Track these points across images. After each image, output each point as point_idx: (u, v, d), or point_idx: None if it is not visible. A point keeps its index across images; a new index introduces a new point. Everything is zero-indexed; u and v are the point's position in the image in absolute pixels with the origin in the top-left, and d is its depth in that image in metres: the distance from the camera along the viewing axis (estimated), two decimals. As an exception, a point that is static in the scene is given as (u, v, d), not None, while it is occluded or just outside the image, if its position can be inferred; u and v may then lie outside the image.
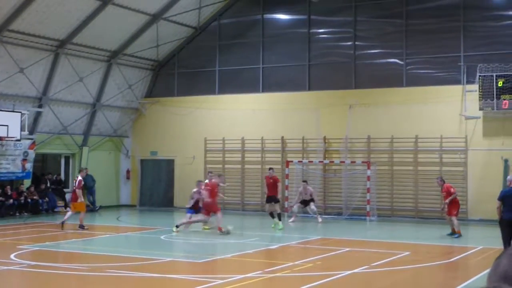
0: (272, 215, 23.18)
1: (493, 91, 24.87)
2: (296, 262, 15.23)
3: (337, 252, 17.42)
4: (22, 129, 26.04)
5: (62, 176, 30.87)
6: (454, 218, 20.59)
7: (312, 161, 28.35)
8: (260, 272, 13.98)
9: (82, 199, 22.43)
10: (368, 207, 26.65)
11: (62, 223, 22.20)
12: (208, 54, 31.66)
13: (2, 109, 25.68)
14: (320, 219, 24.53)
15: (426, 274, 14.66)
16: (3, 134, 25.29)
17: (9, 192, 27.10)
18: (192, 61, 32.03)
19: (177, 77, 32.49)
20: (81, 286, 13.17)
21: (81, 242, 19.40)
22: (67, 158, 31.20)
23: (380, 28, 28.36)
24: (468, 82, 25.98)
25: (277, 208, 23.29)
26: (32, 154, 27.73)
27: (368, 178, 26.70)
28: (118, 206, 32.41)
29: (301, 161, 28.46)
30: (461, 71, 26.34)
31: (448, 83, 26.58)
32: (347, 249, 17.91)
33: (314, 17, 29.64)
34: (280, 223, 22.71)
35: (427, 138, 26.55)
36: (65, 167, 31.20)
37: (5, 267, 14.31)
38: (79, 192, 22.23)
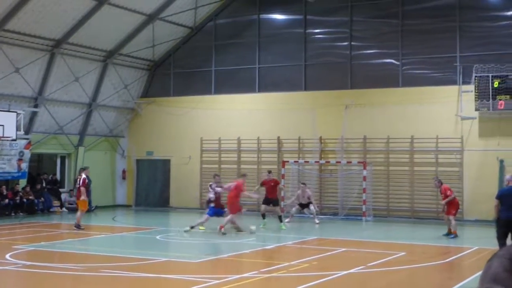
0: (264, 216, 23.26)
1: (489, 91, 24.90)
2: (292, 262, 15.22)
3: (333, 252, 17.42)
4: (17, 129, 25.97)
5: (58, 176, 30.82)
6: (452, 218, 20.61)
7: (308, 161, 28.35)
8: (256, 272, 13.97)
9: (85, 197, 22.38)
10: (364, 207, 26.66)
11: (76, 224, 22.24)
12: (204, 54, 31.65)
13: (-2, 109, 25.64)
14: (317, 221, 24.54)
15: (422, 275, 14.68)
16: (-1, 134, 25.23)
17: (5, 192, 27.07)
18: (188, 61, 32.01)
19: (173, 77, 32.47)
20: (76, 286, 13.14)
21: (77, 242, 19.35)
22: (63, 158, 31.15)
23: (376, 28, 28.38)
24: (464, 82, 26.00)
25: (278, 210, 23.30)
26: (27, 154, 27.68)
27: (364, 178, 26.72)
28: (114, 206, 32.37)
29: (297, 161, 28.46)
30: (457, 71, 26.38)
31: (444, 83, 26.61)
32: (343, 249, 17.91)
33: (310, 17, 29.66)
34: (282, 224, 22.83)
35: (423, 139, 26.58)
36: (60, 167, 31.15)
37: (0, 267, 14.27)
38: (82, 190, 22.24)
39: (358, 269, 14.43)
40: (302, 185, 25.24)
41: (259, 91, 30.30)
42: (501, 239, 14.72)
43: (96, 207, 30.52)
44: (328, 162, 28.13)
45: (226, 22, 31.54)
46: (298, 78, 29.54)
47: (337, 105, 27.91)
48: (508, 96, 24.68)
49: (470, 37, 26.61)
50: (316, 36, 29.84)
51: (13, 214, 27.05)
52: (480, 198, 24.75)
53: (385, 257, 16.39)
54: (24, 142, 27.46)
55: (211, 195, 21.87)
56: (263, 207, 23.77)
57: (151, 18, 29.29)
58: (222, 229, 20.70)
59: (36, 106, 28.03)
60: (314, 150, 28.51)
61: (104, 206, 31.25)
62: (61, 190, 30.20)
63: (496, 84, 24.86)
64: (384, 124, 27.17)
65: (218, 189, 21.71)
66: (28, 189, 28.07)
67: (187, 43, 32.10)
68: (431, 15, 27.24)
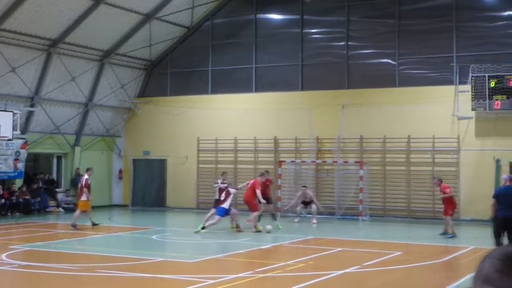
0: (259, 217, 23.32)
1: (486, 91, 24.92)
2: (288, 262, 15.22)
3: (329, 252, 17.43)
4: (14, 128, 25.89)
5: (54, 176, 30.78)
6: (449, 218, 20.65)
7: (304, 161, 28.36)
8: (252, 272, 13.97)
9: (85, 198, 22.40)
10: (360, 207, 26.67)
11: (93, 224, 22.30)
12: (201, 53, 31.63)
13: (-6, 109, 25.60)
14: (315, 221, 24.59)
15: (418, 274, 14.69)
16: (-5, 134, 25.19)
17: (1, 192, 27.02)
18: (185, 60, 31.99)
19: (170, 77, 32.45)
20: (72, 286, 13.12)
21: (73, 242, 19.33)
22: (59, 158, 31.11)
23: (372, 28, 28.39)
24: (461, 82, 26.02)
25: (271, 207, 23.38)
26: (24, 153, 27.63)
27: (361, 178, 26.73)
28: (110, 206, 32.33)
29: (294, 161, 28.46)
30: (453, 71, 26.39)
31: (441, 83, 26.63)
32: (339, 249, 17.92)
33: (307, 17, 29.66)
34: (278, 224, 22.98)
35: (420, 138, 26.60)
36: (57, 167, 31.11)
37: (-4, 267, 14.25)
38: (85, 190, 22.30)
39: (354, 269, 14.43)
40: (303, 188, 25.31)
41: (256, 91, 30.30)
42: (497, 238, 14.77)
43: (93, 207, 30.44)
44: (325, 162, 28.14)
45: (223, 22, 31.53)
46: (295, 78, 29.54)
47: (334, 105, 27.91)
48: (504, 96, 24.70)
49: (467, 37, 26.63)
50: (313, 36, 29.85)
51: (9, 214, 27.01)
52: (476, 197, 24.78)
53: (381, 256, 16.40)
54: (20, 141, 27.42)
55: (222, 195, 21.95)
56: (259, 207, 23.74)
57: (148, 17, 29.26)
58: (256, 228, 21.25)
59: (32, 105, 27.99)
60: (310, 150, 28.52)
61: (101, 206, 31.17)
62: (57, 190, 30.15)
63: (492, 84, 24.88)
64: (381, 124, 27.18)
65: (233, 190, 21.74)
66: (24, 189, 28.02)
67: (184, 43, 32.08)
68: (428, 15, 27.26)
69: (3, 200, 26.87)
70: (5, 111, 25.71)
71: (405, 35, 27.61)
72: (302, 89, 29.34)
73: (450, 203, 20.85)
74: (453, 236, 20.46)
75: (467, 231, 23.15)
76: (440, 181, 21.21)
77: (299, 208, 25.18)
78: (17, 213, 27.17)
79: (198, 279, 12.83)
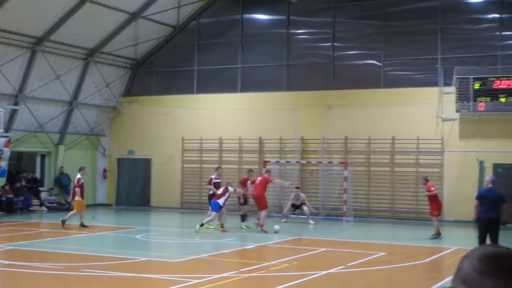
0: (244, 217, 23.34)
1: (470, 93, 25.07)
2: (272, 262, 15.24)
3: (313, 252, 17.46)
4: (-3, 126, 25.77)
5: (38, 175, 30.59)
6: (434, 219, 20.76)
7: (289, 161, 28.38)
8: (236, 272, 13.97)
9: (79, 198, 22.37)
10: (344, 207, 26.74)
11: (81, 224, 22.25)
12: (186, 53, 31.57)
13: (-23, 106, 25.41)
14: (312, 221, 24.73)
15: (402, 275, 14.75)
16: (-22, 132, 25.01)
17: (-16, 190, 26.82)
18: (171, 60, 31.91)
19: (155, 76, 32.37)
20: (56, 286, 13.05)
21: (56, 241, 19.22)
22: (43, 157, 30.91)
23: (358, 29, 28.48)
24: (445, 84, 26.15)
25: (245, 209, 23.36)
26: (7, 152, 27.41)
27: (345, 178, 26.80)
28: (94, 205, 32.17)
29: (279, 161, 28.47)
30: (438, 73, 26.53)
31: (425, 85, 26.75)
32: (323, 249, 17.95)
33: (293, 18, 29.69)
34: (245, 223, 22.99)
35: (404, 140, 26.70)
36: (41, 166, 30.92)
37: (-22, 266, 14.14)
38: (77, 190, 22.26)
39: (338, 269, 14.47)
40: (296, 189, 25.40)
41: (242, 91, 30.29)
42: (482, 239, 14.89)
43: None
44: (310, 162, 28.19)
45: (209, 22, 31.49)
46: (280, 78, 29.56)
47: (319, 106, 27.96)
48: (488, 98, 24.86)
49: (452, 39, 26.77)
50: (299, 36, 29.89)
51: (-8, 212, 26.82)
52: (460, 199, 24.92)
53: (365, 257, 16.45)
54: (3, 140, 27.20)
55: (216, 190, 21.99)
56: (245, 207, 23.71)
57: (133, 16, 29.16)
58: (263, 228, 21.31)
59: (16, 103, 27.80)
60: (295, 150, 28.55)
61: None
62: (40, 188, 29.98)
63: (476, 86, 25.03)
64: (366, 125, 27.26)
65: (231, 189, 21.82)
66: (7, 187, 27.82)
67: (170, 42, 32.00)
68: (414, 17, 27.37)
69: (-14, 199, 26.68)
70: (-12, 109, 25.56)
71: (391, 37, 27.72)
72: (288, 89, 29.36)
73: (435, 204, 20.94)
74: (437, 237, 20.55)
75: (450, 232, 23.25)
76: (426, 180, 21.33)
77: (286, 210, 25.26)
78: (0, 212, 26.97)
79: (182, 279, 12.81)
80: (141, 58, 32.42)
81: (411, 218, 26.18)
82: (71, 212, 22.42)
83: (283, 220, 25.02)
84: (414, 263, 16.07)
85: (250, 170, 24.57)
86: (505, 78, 24.80)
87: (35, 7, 25.48)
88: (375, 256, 16.71)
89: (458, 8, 26.86)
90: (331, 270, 14.27)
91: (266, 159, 28.57)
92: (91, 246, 18.93)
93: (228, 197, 21.70)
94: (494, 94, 24.78)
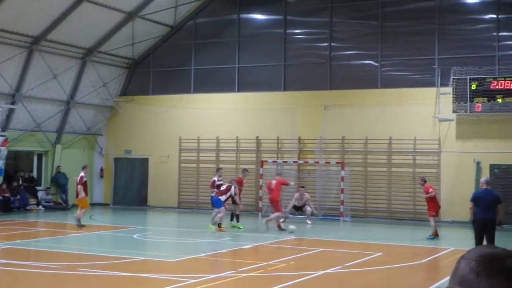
0: (237, 217, 23.32)
1: (467, 94, 25.11)
2: (270, 262, 15.24)
3: (311, 252, 17.47)
4: (-6, 125, 25.75)
5: (35, 174, 30.56)
6: (431, 219, 20.77)
7: (286, 161, 28.39)
8: (233, 271, 13.97)
9: (83, 195, 22.38)
10: (341, 207, 26.76)
11: (78, 221, 22.35)
12: (183, 53, 31.57)
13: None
14: (309, 222, 24.80)
15: (399, 275, 14.77)
16: (-25, 131, 24.98)
17: (-20, 190, 26.79)
18: (168, 59, 31.91)
19: (152, 76, 32.36)
20: (53, 285, 13.04)
21: (53, 241, 19.22)
22: (39, 156, 30.90)
23: (356, 29, 28.50)
24: (442, 84, 26.19)
25: (240, 208, 23.45)
26: (4, 151, 27.38)
27: (342, 178, 26.82)
28: (92, 205, 32.04)
29: (276, 161, 28.48)
30: (435, 73, 26.56)
31: (422, 85, 26.79)
32: (321, 249, 17.97)
33: (290, 18, 29.71)
34: (232, 223, 23.03)
35: (401, 140, 26.74)
36: (37, 165, 30.90)
37: (-25, 265, 14.13)
38: (80, 188, 22.25)
39: (335, 269, 14.48)
40: (301, 188, 25.45)
41: (239, 90, 30.30)
42: (478, 239, 14.93)
43: (74, 205, 30.30)
44: (307, 162, 28.20)
45: (206, 21, 31.49)
46: (277, 78, 29.58)
47: (316, 106, 27.98)
48: (485, 99, 24.89)
49: (449, 39, 26.80)
50: (296, 36, 29.91)
51: (-12, 211, 26.79)
52: (456, 199, 24.94)
53: (362, 257, 16.47)
54: (0, 139, 27.17)
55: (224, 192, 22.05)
56: (240, 207, 23.72)
57: (130, 16, 29.15)
58: (281, 226, 21.80)
59: (13, 103, 27.78)
60: (292, 150, 28.57)
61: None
62: (37, 188, 29.95)
63: (473, 87, 25.06)
64: (363, 125, 27.29)
65: (233, 191, 21.94)
66: (4, 186, 27.79)
67: (167, 42, 32.00)
68: (411, 17, 27.41)
69: (-18, 198, 26.65)
70: (-15, 108, 25.53)
71: (388, 37, 27.75)
72: (285, 89, 29.38)
73: (433, 204, 20.96)
74: (434, 237, 20.57)
75: (447, 232, 23.28)
76: (424, 181, 21.34)
77: (287, 211, 25.20)
78: (-3, 211, 26.96)
79: (179, 278, 12.82)
80: (138, 58, 32.41)
81: (408, 219, 26.22)
82: (78, 212, 22.48)
83: (281, 220, 25.01)
84: (411, 263, 16.10)
85: (245, 170, 24.56)
86: (502, 79, 24.84)
87: (32, 6, 25.45)
88: (372, 256, 16.73)
89: (455, 9, 26.90)
90: (328, 270, 14.29)
91: (263, 159, 28.59)
92: (88, 246, 18.93)
93: (229, 197, 21.77)
94: (491, 95, 24.81)
